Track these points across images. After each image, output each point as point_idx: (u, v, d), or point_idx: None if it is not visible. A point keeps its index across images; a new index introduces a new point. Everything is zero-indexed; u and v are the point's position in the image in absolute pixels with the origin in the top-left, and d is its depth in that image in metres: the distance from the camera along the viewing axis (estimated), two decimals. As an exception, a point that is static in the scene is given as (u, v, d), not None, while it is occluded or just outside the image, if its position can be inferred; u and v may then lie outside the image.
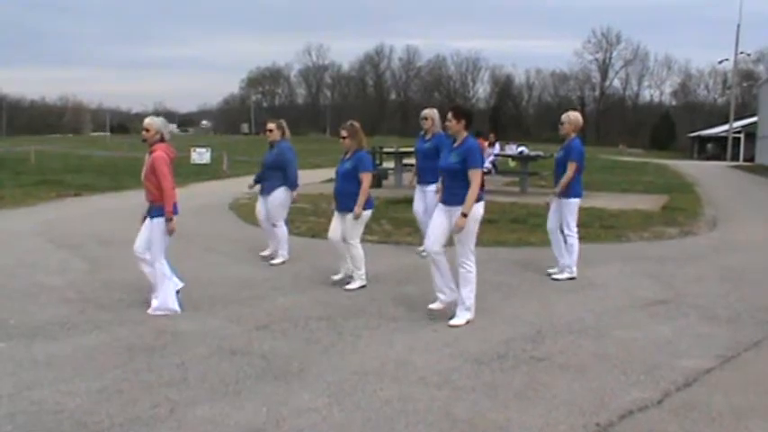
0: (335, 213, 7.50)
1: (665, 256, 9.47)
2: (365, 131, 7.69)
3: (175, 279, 6.49)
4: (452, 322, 6.04)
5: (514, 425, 4.09)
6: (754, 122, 48.25)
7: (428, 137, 8.78)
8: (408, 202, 14.21)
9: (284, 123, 8.80)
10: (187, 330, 5.83)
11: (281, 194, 8.58)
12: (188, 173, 22.80)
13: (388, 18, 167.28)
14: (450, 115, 6.12)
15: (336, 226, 7.44)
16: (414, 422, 4.09)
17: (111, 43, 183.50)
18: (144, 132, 6.40)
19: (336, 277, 7.49)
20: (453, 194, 6.04)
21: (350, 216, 7.24)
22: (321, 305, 6.70)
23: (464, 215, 5.87)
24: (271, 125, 8.71)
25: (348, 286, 7.32)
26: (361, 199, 7.19)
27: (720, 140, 59.06)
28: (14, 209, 14.06)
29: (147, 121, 6.47)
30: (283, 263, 8.63)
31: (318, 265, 8.40)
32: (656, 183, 22.33)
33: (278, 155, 8.55)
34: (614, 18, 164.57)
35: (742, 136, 53.67)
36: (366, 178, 7.24)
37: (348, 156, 7.38)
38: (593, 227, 11.47)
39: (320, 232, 10.32)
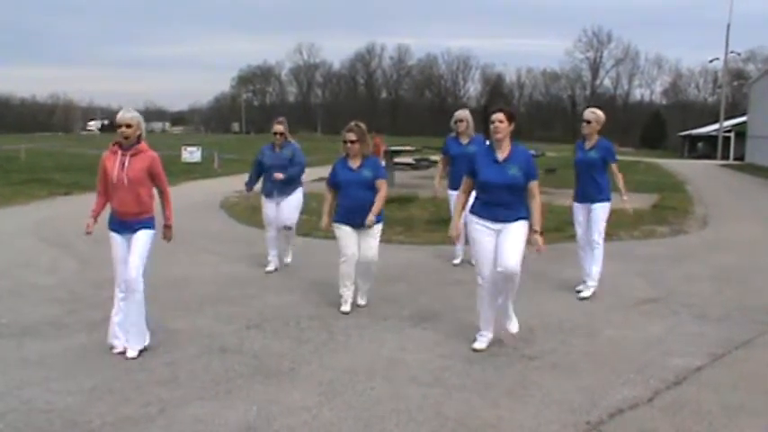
0: (346, 229, 6.46)
1: (655, 255, 9.51)
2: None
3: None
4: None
5: (506, 423, 4.10)
6: (745, 122, 48.47)
7: (465, 140, 8.29)
8: (401, 200, 14.27)
9: None
10: (178, 329, 5.82)
11: (300, 196, 8.24)
12: (179, 171, 22.73)
13: (380, 17, 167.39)
14: (501, 116, 5.23)
15: (354, 244, 6.47)
16: (405, 421, 4.09)
17: (103, 42, 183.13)
18: (125, 129, 5.10)
19: (347, 308, 6.49)
20: (513, 210, 5.26)
21: (372, 230, 6.47)
22: (312, 304, 6.70)
23: (541, 233, 5.26)
24: (281, 127, 7.99)
25: (361, 302, 6.69)
26: (379, 206, 6.42)
27: (711, 139, 59.26)
28: (5, 207, 14.01)
29: (128, 115, 5.11)
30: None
31: (309, 265, 8.39)
32: (646, 181, 22.37)
33: (295, 157, 8.05)
34: (605, 17, 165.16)
35: (732, 135, 53.82)
36: (384, 185, 6.52)
37: (360, 163, 6.45)
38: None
39: (311, 231, 10.32)
